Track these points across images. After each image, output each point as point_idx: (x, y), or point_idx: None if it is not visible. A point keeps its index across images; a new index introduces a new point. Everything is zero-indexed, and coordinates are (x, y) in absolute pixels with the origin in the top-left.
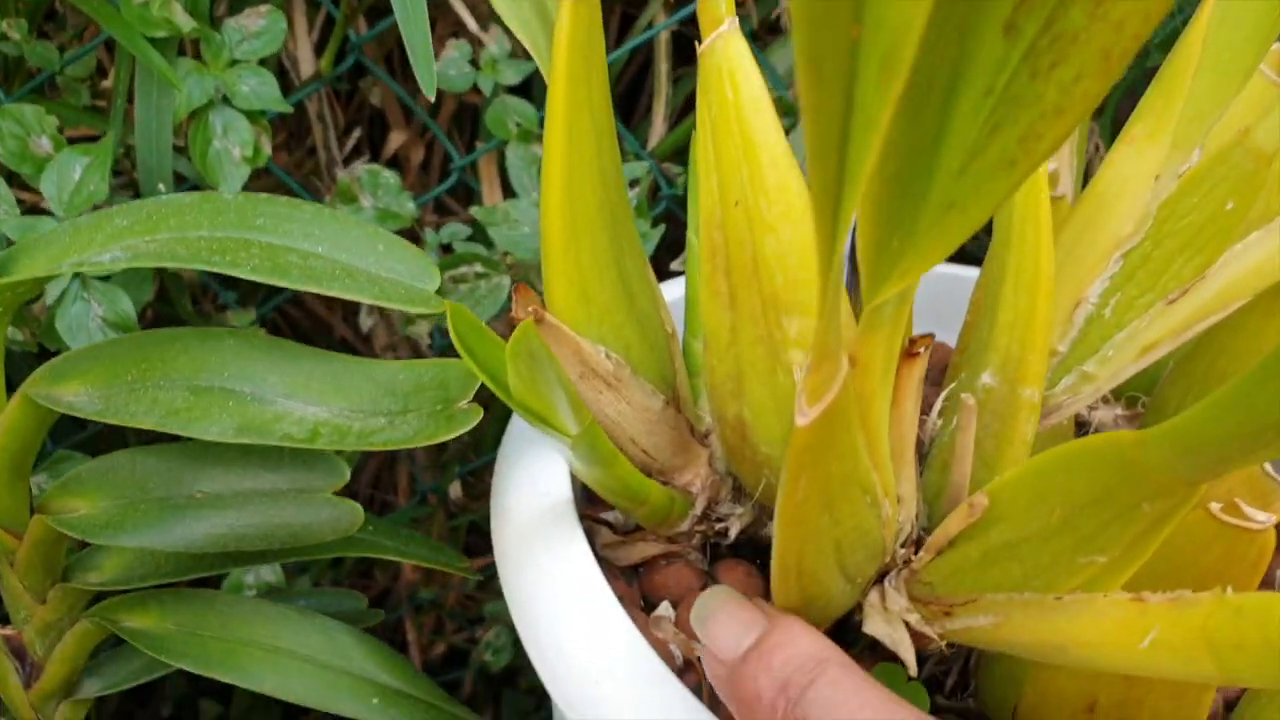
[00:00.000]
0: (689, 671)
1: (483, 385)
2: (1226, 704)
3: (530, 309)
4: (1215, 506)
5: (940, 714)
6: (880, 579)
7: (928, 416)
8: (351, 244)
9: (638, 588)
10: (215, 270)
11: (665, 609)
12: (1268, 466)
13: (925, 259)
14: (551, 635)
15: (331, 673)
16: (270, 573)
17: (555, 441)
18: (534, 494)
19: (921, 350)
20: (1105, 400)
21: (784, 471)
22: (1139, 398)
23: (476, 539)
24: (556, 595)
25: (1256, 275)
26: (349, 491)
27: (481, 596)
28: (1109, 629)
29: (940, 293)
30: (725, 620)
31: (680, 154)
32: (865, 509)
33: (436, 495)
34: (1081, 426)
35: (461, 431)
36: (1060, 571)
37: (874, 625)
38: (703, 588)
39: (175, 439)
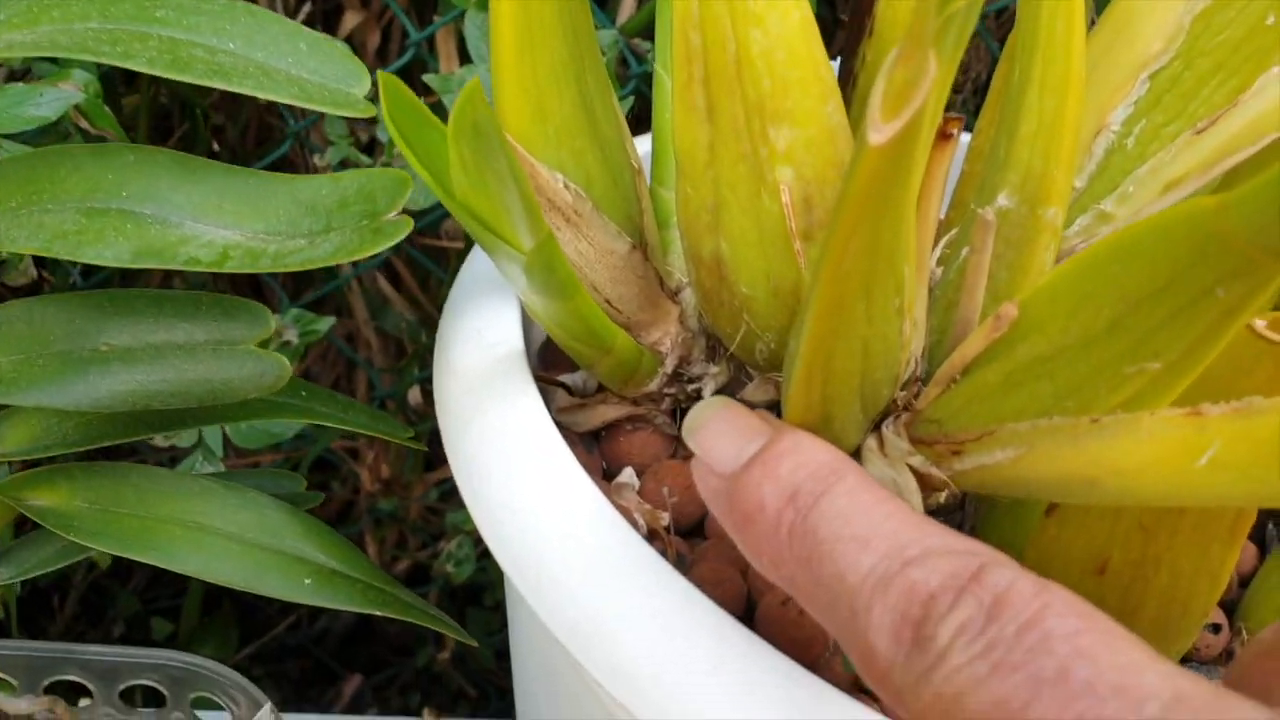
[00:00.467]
0: (654, 541)
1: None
2: (1242, 581)
3: None
4: (1260, 324)
5: None
6: (877, 425)
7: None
8: (269, 41)
9: (598, 455)
10: (105, 62)
11: (629, 476)
12: None
13: None
14: (503, 494)
15: (261, 551)
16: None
17: (506, 263)
18: (482, 345)
19: (954, 132)
20: None
21: (832, 232)
22: None
23: (438, 449)
24: (507, 450)
25: None
26: None
27: (444, 508)
28: (1156, 450)
29: None
30: (724, 428)
31: (650, 32)
32: (893, 314)
33: (395, 401)
34: None
35: (389, 245)
36: (1102, 387)
37: (875, 468)
38: (671, 456)
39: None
